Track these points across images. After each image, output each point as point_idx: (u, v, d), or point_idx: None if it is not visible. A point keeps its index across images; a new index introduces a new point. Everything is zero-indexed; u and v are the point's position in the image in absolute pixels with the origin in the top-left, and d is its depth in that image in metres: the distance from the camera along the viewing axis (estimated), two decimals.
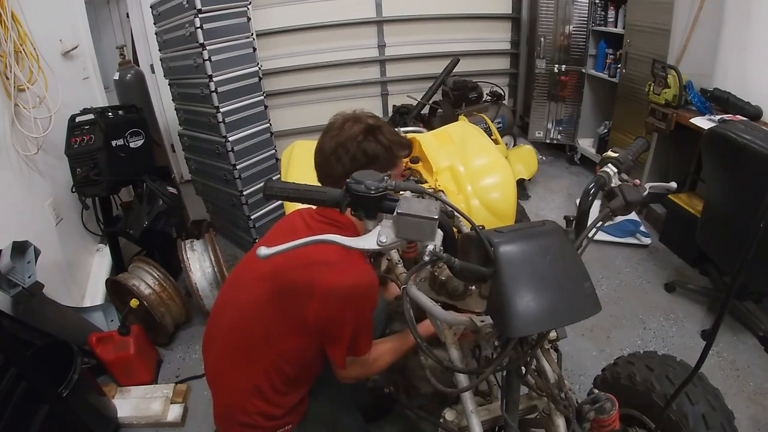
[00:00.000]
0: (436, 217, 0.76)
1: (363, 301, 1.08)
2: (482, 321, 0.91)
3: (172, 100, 3.22)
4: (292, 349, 1.13)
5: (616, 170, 1.01)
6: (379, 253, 1.57)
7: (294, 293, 1.09)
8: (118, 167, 2.40)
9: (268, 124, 3.10)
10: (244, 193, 2.92)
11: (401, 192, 0.92)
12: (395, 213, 0.77)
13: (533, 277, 0.77)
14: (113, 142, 2.38)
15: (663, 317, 2.30)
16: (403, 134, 1.25)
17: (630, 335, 2.20)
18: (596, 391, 1.00)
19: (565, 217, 1.01)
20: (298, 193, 0.85)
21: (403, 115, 3.82)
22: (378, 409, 1.76)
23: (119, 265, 2.63)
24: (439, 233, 0.80)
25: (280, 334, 1.12)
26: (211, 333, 1.27)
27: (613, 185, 0.99)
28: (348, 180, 0.82)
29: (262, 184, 3.04)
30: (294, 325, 1.09)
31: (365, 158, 1.11)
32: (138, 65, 3.64)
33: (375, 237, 0.79)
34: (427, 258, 0.75)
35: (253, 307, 1.16)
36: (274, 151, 3.15)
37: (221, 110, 2.78)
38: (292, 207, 1.73)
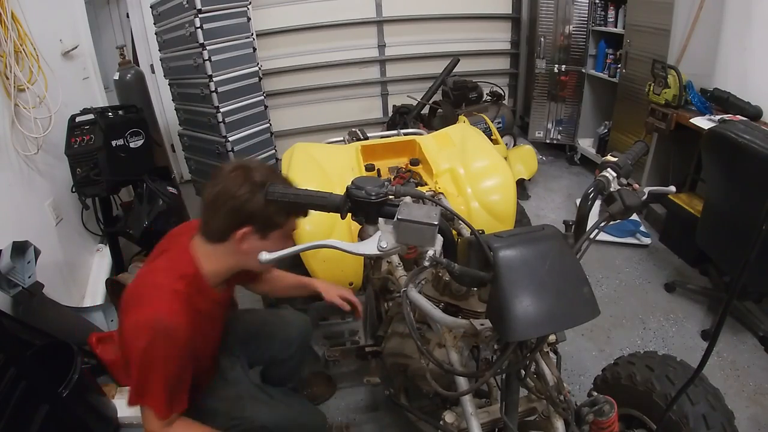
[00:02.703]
0: (437, 222, 0.76)
1: (151, 344, 1.01)
2: (482, 324, 0.91)
3: (172, 100, 3.23)
4: None
5: (615, 174, 1.01)
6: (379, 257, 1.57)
7: (121, 313, 1.10)
8: (118, 167, 2.40)
9: (268, 124, 3.11)
10: None
11: (402, 197, 0.92)
12: (396, 219, 0.78)
13: (532, 282, 0.77)
14: (113, 142, 2.38)
15: (663, 317, 2.30)
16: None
17: (630, 335, 2.20)
18: (595, 393, 1.00)
19: (565, 222, 1.01)
20: (298, 197, 0.85)
21: (403, 115, 3.82)
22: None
23: (119, 265, 2.63)
24: (439, 238, 0.80)
25: None
26: None
27: (612, 190, 0.99)
28: (348, 185, 0.82)
29: None
30: None
31: (240, 219, 1.04)
32: (138, 65, 3.64)
33: (375, 242, 0.79)
34: (427, 263, 0.76)
35: None
36: (274, 151, 3.16)
37: (221, 110, 2.79)
38: None
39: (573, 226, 0.99)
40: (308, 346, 1.63)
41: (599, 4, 3.53)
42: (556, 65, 3.87)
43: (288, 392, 1.61)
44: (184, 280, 1.08)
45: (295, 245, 0.90)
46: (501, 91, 3.83)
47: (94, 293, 2.48)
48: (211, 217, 1.07)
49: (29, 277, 1.81)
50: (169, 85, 3.19)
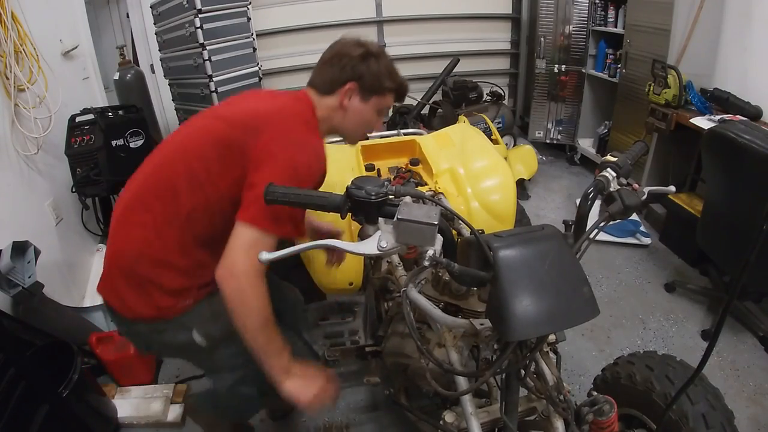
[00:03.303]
0: (436, 222, 0.76)
1: (310, 163, 1.06)
2: (482, 324, 0.91)
3: (172, 100, 3.23)
4: (219, 195, 1.07)
5: (615, 174, 1.01)
6: (379, 257, 1.58)
7: (248, 129, 1.06)
8: (118, 167, 2.40)
9: None
10: None
11: (401, 197, 0.92)
12: (395, 218, 0.78)
13: (532, 282, 0.77)
14: (113, 142, 2.39)
15: (663, 317, 2.30)
16: (401, 77, 1.26)
17: (630, 335, 2.20)
18: (595, 393, 1.00)
19: (565, 222, 1.01)
20: (299, 197, 0.85)
21: (403, 115, 3.82)
22: None
23: None
24: (439, 238, 0.80)
25: (214, 173, 1.07)
26: (138, 171, 1.19)
27: (612, 189, 0.99)
28: (348, 185, 0.82)
29: None
30: (234, 167, 1.05)
31: (351, 74, 1.16)
32: (138, 65, 3.65)
33: (375, 242, 0.79)
34: (427, 263, 0.76)
35: (198, 138, 1.12)
36: None
37: None
38: None
39: (573, 226, 0.99)
40: (303, 316, 1.65)
41: (599, 4, 3.53)
42: (556, 65, 3.87)
43: None
44: (313, 121, 1.17)
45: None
46: (501, 91, 3.83)
47: (94, 293, 2.47)
48: (325, 71, 1.18)
49: (29, 277, 1.81)
50: (169, 85, 3.19)
